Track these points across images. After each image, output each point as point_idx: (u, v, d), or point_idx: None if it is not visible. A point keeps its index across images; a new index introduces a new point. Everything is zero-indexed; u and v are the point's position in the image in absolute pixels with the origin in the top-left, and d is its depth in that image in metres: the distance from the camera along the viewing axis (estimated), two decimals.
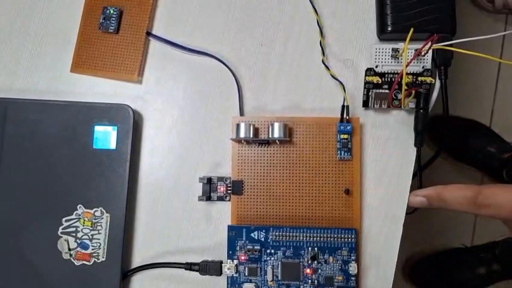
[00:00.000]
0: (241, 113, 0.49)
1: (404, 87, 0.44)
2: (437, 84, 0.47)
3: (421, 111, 0.46)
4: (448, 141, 1.04)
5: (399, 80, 0.44)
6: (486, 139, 1.01)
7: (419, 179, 0.48)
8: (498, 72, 1.07)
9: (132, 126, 0.47)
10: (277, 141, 0.47)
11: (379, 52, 0.47)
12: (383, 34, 0.47)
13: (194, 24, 0.51)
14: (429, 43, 0.44)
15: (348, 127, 0.46)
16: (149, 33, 0.50)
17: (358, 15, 0.50)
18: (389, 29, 0.47)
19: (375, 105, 0.47)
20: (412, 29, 0.42)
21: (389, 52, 0.47)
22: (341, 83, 0.47)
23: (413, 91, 0.45)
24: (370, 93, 0.47)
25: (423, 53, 0.46)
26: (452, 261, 1.00)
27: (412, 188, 0.48)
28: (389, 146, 0.48)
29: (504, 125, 1.05)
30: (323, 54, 0.48)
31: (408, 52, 0.46)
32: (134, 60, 0.49)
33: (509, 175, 0.99)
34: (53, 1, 0.52)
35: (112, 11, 0.49)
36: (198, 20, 0.51)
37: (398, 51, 0.47)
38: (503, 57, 1.06)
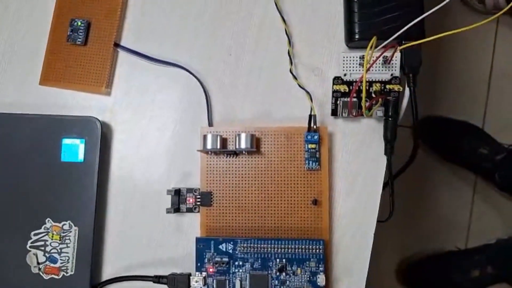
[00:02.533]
0: (210, 123, 0.49)
1: (364, 95, 0.43)
2: (407, 92, 0.47)
3: (390, 119, 0.46)
4: (440, 143, 1.03)
5: (358, 88, 0.43)
6: (479, 141, 1.01)
7: (391, 188, 0.47)
8: (491, 71, 1.05)
9: (100, 138, 0.47)
10: (244, 151, 0.46)
11: (347, 60, 0.47)
12: (351, 42, 0.47)
13: (162, 35, 0.51)
14: (388, 50, 0.44)
15: (315, 137, 0.45)
16: (117, 45, 0.50)
17: (327, 24, 0.49)
18: (357, 37, 0.46)
19: (343, 114, 0.47)
20: (375, 37, 0.41)
21: (357, 60, 0.47)
22: (307, 92, 0.46)
23: (380, 99, 0.45)
24: (338, 101, 0.47)
25: (383, 61, 0.45)
26: (446, 264, 0.99)
27: (383, 197, 0.47)
28: (359, 155, 0.48)
29: (497, 126, 1.03)
30: (291, 63, 0.48)
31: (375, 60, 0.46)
32: (101, 72, 0.49)
33: (501, 177, 0.98)
34: (22, 13, 0.52)
35: (79, 23, 0.49)
36: (167, 31, 0.51)
37: None
38: (496, 54, 1.05)
